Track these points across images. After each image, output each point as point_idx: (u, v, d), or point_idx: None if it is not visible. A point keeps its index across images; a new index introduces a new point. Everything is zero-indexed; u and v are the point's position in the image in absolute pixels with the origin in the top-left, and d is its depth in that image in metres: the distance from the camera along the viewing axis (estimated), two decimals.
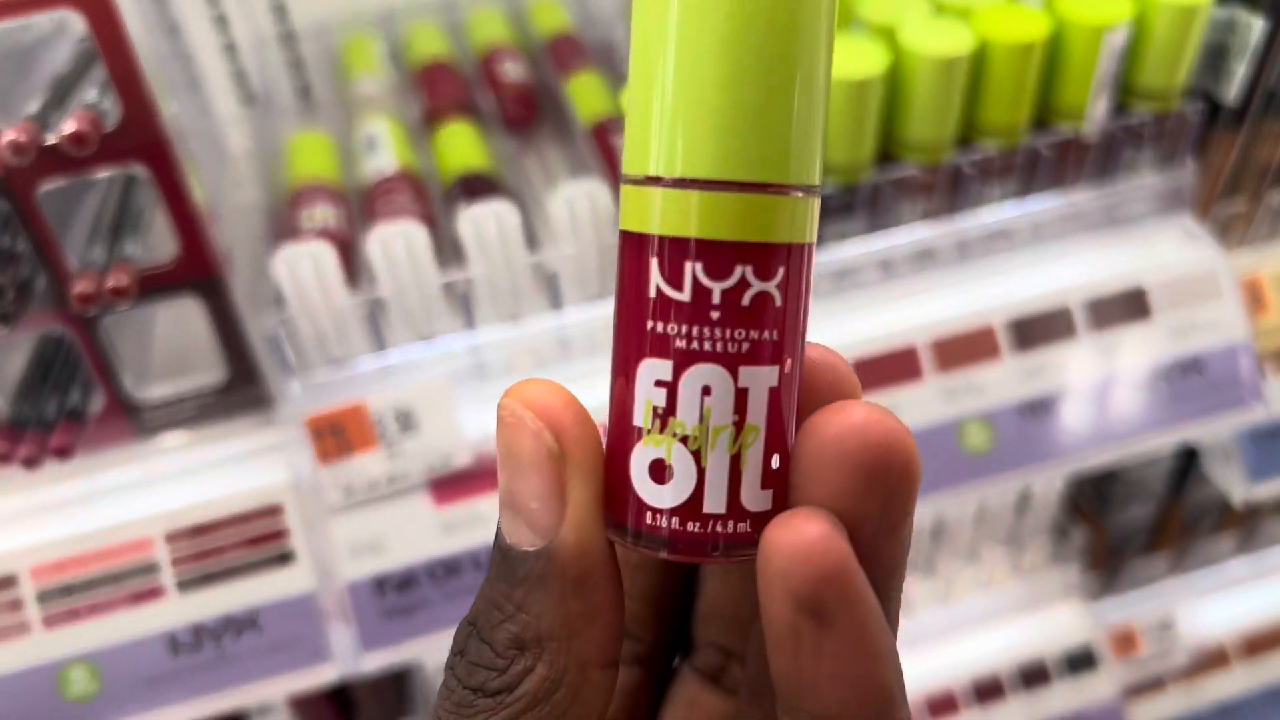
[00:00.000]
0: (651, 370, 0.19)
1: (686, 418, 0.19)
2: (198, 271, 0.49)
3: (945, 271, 0.60)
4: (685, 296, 0.19)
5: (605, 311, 0.56)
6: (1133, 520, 0.85)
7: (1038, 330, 0.58)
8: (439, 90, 0.71)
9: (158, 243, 0.52)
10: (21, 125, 0.41)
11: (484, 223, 0.53)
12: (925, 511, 0.76)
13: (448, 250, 0.59)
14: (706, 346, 0.19)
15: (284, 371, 0.53)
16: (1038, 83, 0.56)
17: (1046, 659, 0.83)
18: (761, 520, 0.19)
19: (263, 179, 0.65)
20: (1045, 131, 0.58)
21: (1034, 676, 0.82)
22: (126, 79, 0.43)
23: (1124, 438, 0.59)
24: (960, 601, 0.85)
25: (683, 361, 0.19)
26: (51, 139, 0.43)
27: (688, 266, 0.19)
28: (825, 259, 0.58)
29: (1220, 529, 0.91)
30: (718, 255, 0.19)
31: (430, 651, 0.53)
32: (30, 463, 0.47)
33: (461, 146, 0.65)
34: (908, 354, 0.57)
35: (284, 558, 0.52)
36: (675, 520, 0.20)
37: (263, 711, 0.77)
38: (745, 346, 0.19)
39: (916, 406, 0.57)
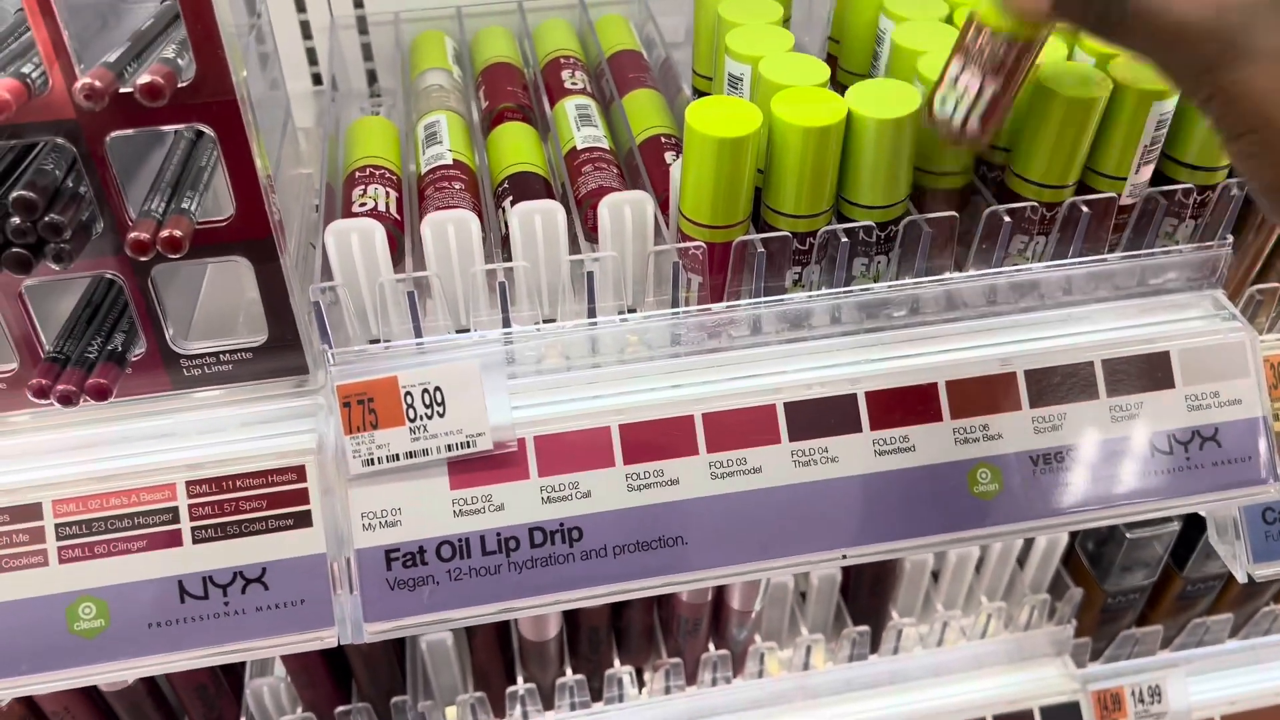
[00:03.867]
0: None
1: None
2: (252, 232, 0.51)
3: (972, 318, 0.61)
4: None
5: (636, 322, 0.58)
6: (1131, 587, 0.85)
7: (1058, 383, 0.59)
8: (499, 90, 0.73)
9: (213, 206, 0.54)
10: (97, 71, 0.43)
11: (530, 218, 0.55)
12: (928, 554, 0.77)
13: (490, 245, 0.61)
14: None
15: (322, 341, 0.55)
16: (1088, 141, 0.57)
17: (1033, 712, 0.83)
18: None
19: (324, 158, 0.67)
20: (1085, 192, 0.59)
21: None
22: (204, 38, 0.44)
23: (1134, 500, 0.60)
24: (952, 648, 0.86)
25: None
26: (126, 89, 0.45)
27: None
28: (856, 293, 0.59)
29: (1218, 606, 0.91)
30: None
31: (430, 629, 0.54)
32: (67, 400, 0.49)
33: (516, 145, 0.66)
34: (928, 392, 0.58)
35: (299, 519, 0.53)
36: None
37: (261, 673, 0.78)
38: None
39: (932, 445, 0.57)
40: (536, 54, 0.79)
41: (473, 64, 0.78)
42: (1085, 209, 0.58)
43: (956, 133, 0.49)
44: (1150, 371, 0.60)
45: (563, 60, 0.76)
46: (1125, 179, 0.58)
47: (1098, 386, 0.60)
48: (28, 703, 0.70)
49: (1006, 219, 0.58)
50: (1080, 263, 0.61)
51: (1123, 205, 0.60)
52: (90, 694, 0.70)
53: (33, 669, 0.52)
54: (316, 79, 0.84)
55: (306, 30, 0.82)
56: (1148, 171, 0.59)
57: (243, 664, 0.76)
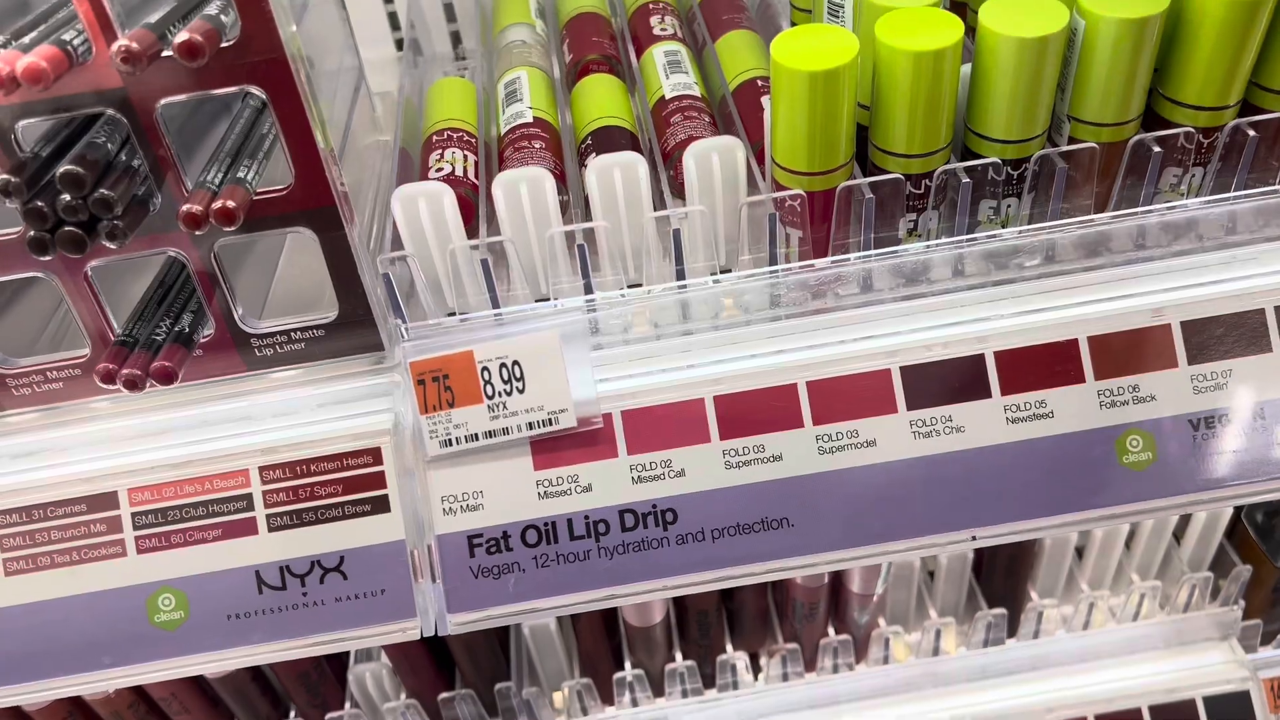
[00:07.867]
0: None
1: None
2: (314, 200, 0.48)
3: (1118, 265, 0.54)
4: None
5: (731, 283, 0.52)
6: None
7: (1221, 335, 0.51)
8: (584, 42, 0.68)
9: (284, 178, 0.51)
10: (136, 33, 0.40)
11: (609, 174, 0.50)
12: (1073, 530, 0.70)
13: (580, 207, 0.56)
14: None
15: (395, 315, 0.51)
16: (1253, 52, 0.49)
17: (1195, 702, 0.75)
18: None
19: (399, 123, 0.63)
20: (1250, 112, 0.51)
21: (1180, 718, 0.74)
22: None
23: None
24: (1100, 631, 0.78)
25: None
26: (167, 52, 0.42)
27: None
28: (982, 240, 0.52)
29: None
30: None
31: (516, 619, 0.51)
32: (132, 384, 0.47)
33: (600, 99, 0.62)
34: (1068, 350, 0.51)
35: (377, 504, 0.50)
36: None
37: (365, 659, 0.76)
38: None
39: (1074, 410, 0.51)
40: (625, 1, 0.74)
41: (557, 16, 0.74)
42: (1251, 132, 0.50)
43: None
44: None
45: (652, 6, 0.71)
46: None
47: (1269, 338, 0.52)
48: (136, 689, 0.69)
49: (1156, 149, 0.51)
50: (1245, 196, 0.53)
51: None
52: (196, 680, 0.70)
53: (116, 662, 0.51)
54: (401, 45, 0.81)
55: None
56: None
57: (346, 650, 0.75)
